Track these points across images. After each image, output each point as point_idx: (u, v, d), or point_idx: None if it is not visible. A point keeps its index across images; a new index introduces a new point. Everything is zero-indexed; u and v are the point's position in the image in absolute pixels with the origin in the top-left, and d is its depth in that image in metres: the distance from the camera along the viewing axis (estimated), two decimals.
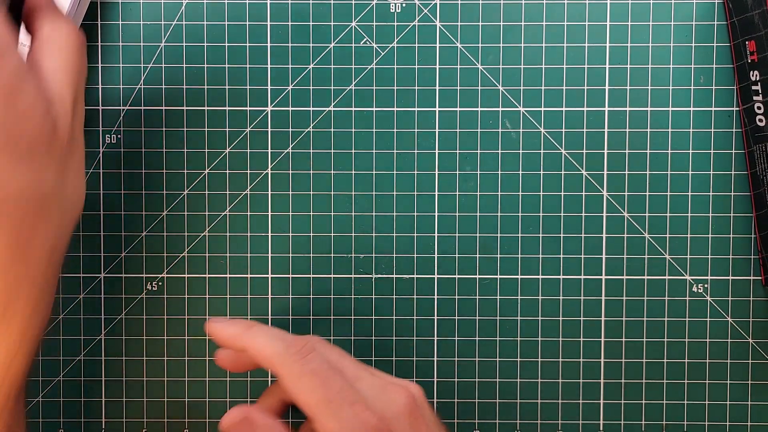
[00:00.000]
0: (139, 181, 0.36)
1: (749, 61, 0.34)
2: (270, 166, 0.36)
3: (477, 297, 0.36)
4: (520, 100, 0.36)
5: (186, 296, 0.36)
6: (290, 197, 0.36)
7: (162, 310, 0.36)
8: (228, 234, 0.36)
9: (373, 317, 0.36)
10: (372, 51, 0.36)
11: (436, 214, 0.36)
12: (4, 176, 0.24)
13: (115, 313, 0.36)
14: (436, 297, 0.36)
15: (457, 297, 0.36)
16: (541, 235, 0.36)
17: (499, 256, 0.36)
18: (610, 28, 0.35)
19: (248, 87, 0.36)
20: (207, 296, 0.36)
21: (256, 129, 0.36)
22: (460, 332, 0.36)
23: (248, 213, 0.36)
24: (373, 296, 0.36)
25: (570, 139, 0.36)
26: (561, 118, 0.36)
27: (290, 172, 0.36)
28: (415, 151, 0.36)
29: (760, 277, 0.36)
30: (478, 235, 0.36)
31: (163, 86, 0.36)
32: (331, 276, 0.36)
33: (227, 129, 0.36)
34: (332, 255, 0.36)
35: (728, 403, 0.36)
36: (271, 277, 0.36)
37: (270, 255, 0.36)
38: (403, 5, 0.35)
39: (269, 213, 0.36)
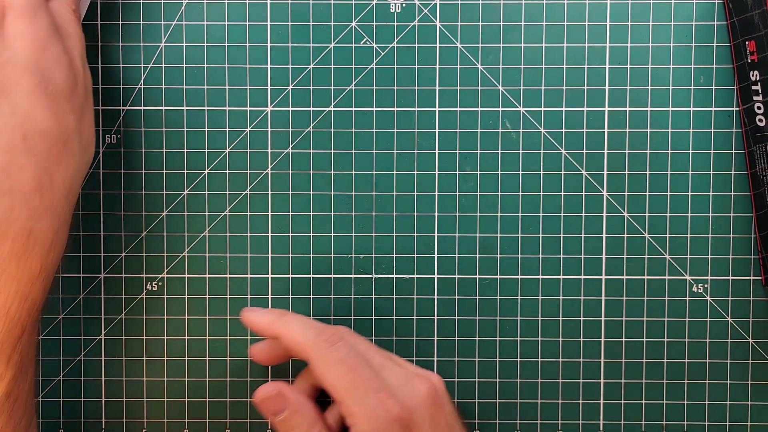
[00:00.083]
0: (139, 181, 0.36)
1: (749, 61, 0.34)
2: (270, 166, 0.36)
3: (477, 297, 0.36)
4: (520, 100, 0.36)
5: (186, 296, 0.36)
6: (290, 197, 0.36)
7: (162, 310, 0.36)
8: (228, 234, 0.36)
9: (373, 317, 0.36)
10: (372, 51, 0.36)
11: (436, 214, 0.36)
12: (38, 114, 0.27)
13: (115, 313, 0.36)
14: (436, 297, 0.36)
15: (457, 297, 0.36)
16: (541, 235, 0.36)
17: (499, 256, 0.36)
18: (610, 28, 0.35)
19: (248, 87, 0.36)
20: (207, 296, 0.36)
21: (256, 129, 0.36)
22: (460, 332, 0.36)
23: (248, 213, 0.36)
24: (373, 296, 0.36)
25: (570, 139, 0.36)
26: (561, 118, 0.36)
27: (290, 172, 0.36)
28: (415, 151, 0.36)
29: (760, 277, 0.36)
30: (478, 235, 0.36)
31: (163, 86, 0.36)
32: (331, 276, 0.36)
33: (227, 129, 0.36)
34: (332, 255, 0.36)
35: (728, 403, 0.36)
36: (271, 277, 0.36)
37: (270, 255, 0.36)
38: (403, 5, 0.35)
39: (269, 213, 0.36)
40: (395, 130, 0.36)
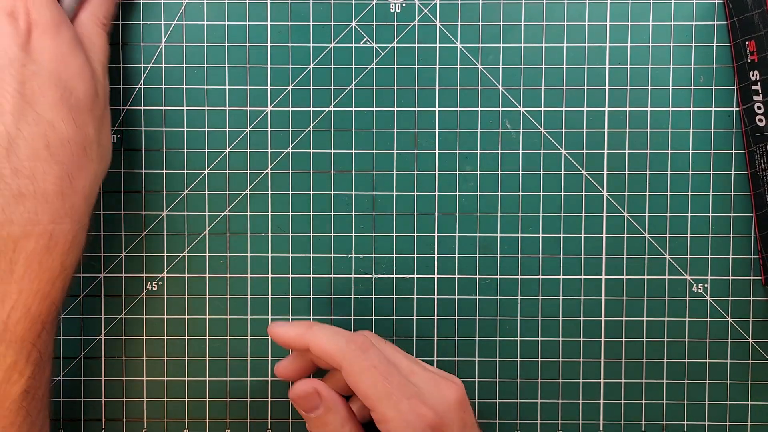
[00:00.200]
0: (139, 181, 0.36)
1: (749, 61, 0.34)
2: (270, 166, 0.36)
3: (477, 297, 0.36)
4: (520, 100, 0.36)
5: (186, 296, 0.36)
6: (290, 197, 0.36)
7: (162, 310, 0.36)
8: (228, 234, 0.36)
9: (373, 317, 0.36)
10: (372, 51, 0.36)
11: (436, 214, 0.36)
12: (60, 124, 0.29)
13: (115, 313, 0.36)
14: (436, 297, 0.36)
15: (457, 297, 0.36)
16: (541, 235, 0.36)
17: (499, 256, 0.36)
18: (610, 28, 0.35)
19: (248, 87, 0.36)
20: (207, 296, 0.36)
21: (256, 129, 0.36)
22: (460, 332, 0.36)
23: (248, 213, 0.36)
24: (373, 296, 0.36)
25: (570, 139, 0.36)
26: (561, 118, 0.36)
27: (290, 172, 0.36)
28: (415, 151, 0.36)
29: (760, 277, 0.36)
30: (478, 235, 0.36)
31: (163, 86, 0.36)
32: (331, 276, 0.36)
33: (227, 129, 0.36)
34: (332, 255, 0.36)
35: (728, 403, 0.36)
36: (271, 277, 0.36)
37: (270, 255, 0.36)
38: (403, 5, 0.35)
39: (269, 213, 0.36)
40: (395, 130, 0.36)
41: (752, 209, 0.36)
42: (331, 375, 0.33)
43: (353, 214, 0.36)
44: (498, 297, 0.36)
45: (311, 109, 0.36)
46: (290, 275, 0.36)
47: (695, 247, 0.36)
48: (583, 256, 0.36)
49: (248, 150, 0.36)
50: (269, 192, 0.36)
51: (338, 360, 0.30)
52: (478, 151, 0.36)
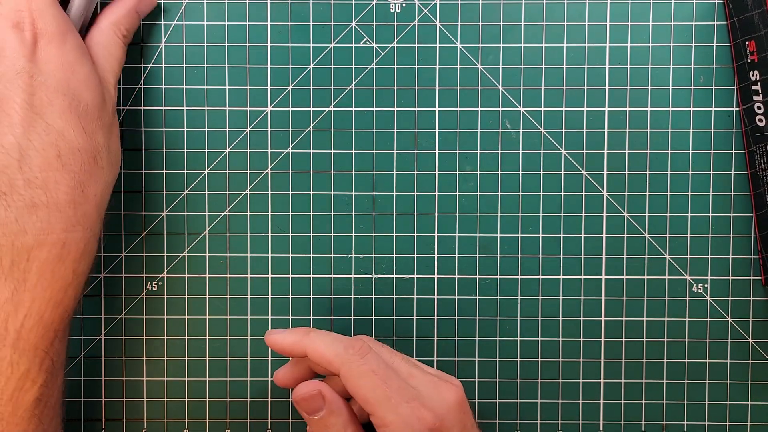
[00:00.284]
0: (139, 181, 0.36)
1: (749, 61, 0.34)
2: (270, 166, 0.36)
3: (477, 297, 0.36)
4: (520, 100, 0.36)
5: (186, 296, 0.36)
6: (290, 197, 0.36)
7: (162, 310, 0.36)
8: (228, 234, 0.36)
9: (373, 317, 0.36)
10: (372, 51, 0.36)
11: (436, 214, 0.36)
12: (70, 133, 0.29)
13: (115, 313, 0.36)
14: (436, 297, 0.36)
15: (457, 297, 0.36)
16: (541, 235, 0.36)
17: (499, 256, 0.36)
18: (610, 28, 0.35)
19: (248, 87, 0.36)
20: (207, 296, 0.36)
21: (256, 129, 0.36)
22: (460, 332, 0.36)
23: (248, 213, 0.36)
24: (373, 296, 0.36)
25: (570, 139, 0.36)
26: (561, 118, 0.36)
27: (290, 172, 0.36)
28: (415, 151, 0.36)
29: (760, 277, 0.36)
30: (478, 235, 0.36)
31: (163, 86, 0.36)
32: (331, 276, 0.36)
33: (227, 129, 0.36)
34: (332, 255, 0.36)
35: (728, 403, 0.36)
36: (271, 277, 0.36)
37: (270, 255, 0.36)
38: (403, 5, 0.35)
39: (269, 213, 0.36)
40: (395, 130, 0.36)
41: (752, 209, 0.36)
42: (330, 379, 0.33)
43: (353, 214, 0.36)
44: (498, 297, 0.36)
45: (311, 109, 0.36)
46: (290, 275, 0.36)
47: (695, 247, 0.36)
48: (583, 256, 0.36)
49: (248, 150, 0.36)
50: (269, 192, 0.36)
51: (336, 365, 0.30)
52: (478, 151, 0.36)
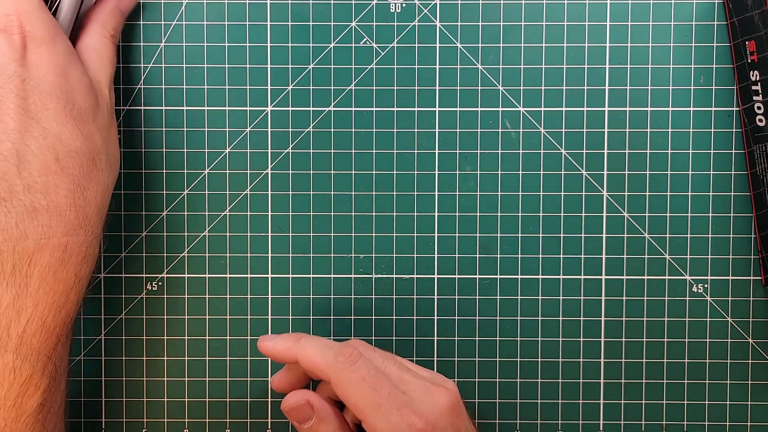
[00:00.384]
0: (139, 181, 0.36)
1: (749, 61, 0.34)
2: (270, 166, 0.36)
3: (477, 297, 0.36)
4: (520, 100, 0.36)
5: (186, 296, 0.36)
6: (290, 197, 0.36)
7: (162, 310, 0.36)
8: (228, 234, 0.36)
9: (373, 317, 0.36)
10: (372, 51, 0.36)
11: (436, 214, 0.36)
12: (67, 136, 0.29)
13: (115, 313, 0.36)
14: (436, 297, 0.36)
15: (457, 297, 0.36)
16: (541, 235, 0.36)
17: (499, 256, 0.36)
18: (610, 28, 0.35)
19: (248, 87, 0.36)
20: (207, 296, 0.36)
21: (256, 129, 0.36)
22: (460, 332, 0.36)
23: (248, 213, 0.36)
24: (373, 296, 0.36)
25: (570, 139, 0.36)
26: (561, 118, 0.36)
27: (290, 172, 0.36)
28: (415, 151, 0.36)
29: (760, 277, 0.36)
30: (478, 235, 0.36)
31: (163, 86, 0.36)
32: (331, 276, 0.36)
33: (227, 129, 0.36)
34: (332, 255, 0.36)
35: (728, 403, 0.36)
36: (271, 277, 0.36)
37: (270, 255, 0.36)
38: (403, 5, 0.35)
39: (269, 213, 0.36)
40: (395, 130, 0.36)
41: (752, 209, 0.36)
42: (324, 383, 0.33)
43: (353, 214, 0.36)
44: (498, 297, 0.36)
45: (311, 109, 0.36)
46: (290, 275, 0.36)
47: (695, 247, 0.36)
48: (583, 256, 0.36)
49: (248, 150, 0.36)
50: (269, 192, 0.36)
51: (327, 373, 0.30)
52: (478, 151, 0.36)
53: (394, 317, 0.36)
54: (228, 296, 0.36)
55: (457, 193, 0.36)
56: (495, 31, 0.35)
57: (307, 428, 0.31)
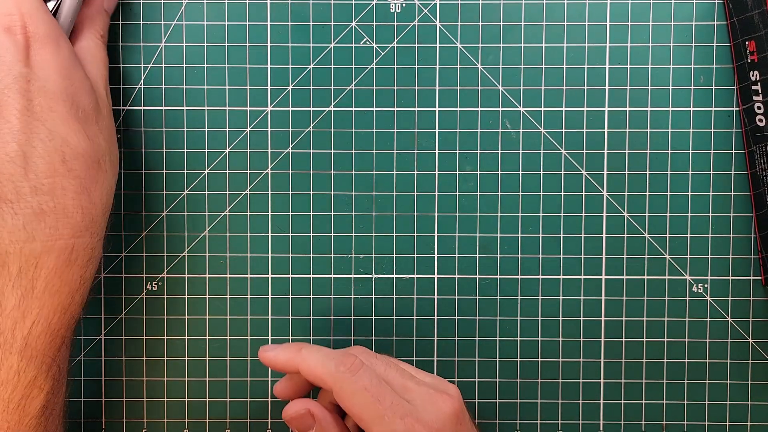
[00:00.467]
0: (139, 181, 0.36)
1: (749, 61, 0.34)
2: (270, 166, 0.36)
3: (477, 297, 0.36)
4: (520, 100, 0.36)
5: (186, 296, 0.36)
6: (290, 197, 0.36)
7: (162, 310, 0.36)
8: (228, 234, 0.36)
9: (373, 317, 0.36)
10: (372, 51, 0.36)
11: (436, 214, 0.36)
12: (73, 137, 0.29)
13: (115, 313, 0.36)
14: (436, 297, 0.36)
15: (457, 297, 0.36)
16: (541, 235, 0.36)
17: (499, 256, 0.36)
18: (610, 28, 0.35)
19: (248, 87, 0.36)
20: (207, 296, 0.36)
21: (256, 129, 0.36)
22: (460, 332, 0.36)
23: (248, 213, 0.36)
24: (373, 296, 0.36)
25: (570, 139, 0.36)
26: (561, 118, 0.36)
27: (290, 172, 0.36)
28: (415, 151, 0.36)
29: (760, 277, 0.36)
30: (478, 235, 0.36)
31: (163, 86, 0.36)
32: (331, 276, 0.36)
33: (227, 129, 0.36)
34: (332, 255, 0.36)
35: (728, 403, 0.36)
36: (271, 277, 0.36)
37: (270, 255, 0.36)
38: (403, 5, 0.35)
39: (269, 213, 0.36)
40: (395, 130, 0.36)
41: (752, 209, 0.36)
42: (325, 391, 0.33)
43: (353, 214, 0.36)
44: (498, 297, 0.36)
45: (311, 109, 0.36)
46: (290, 275, 0.36)
47: (695, 247, 0.36)
48: (583, 256, 0.36)
49: (248, 150, 0.36)
50: (269, 192, 0.36)
51: (329, 383, 0.29)
52: (478, 151, 0.36)
53: (394, 317, 0.36)
54: (228, 296, 0.36)
55: (457, 193, 0.36)
56: (495, 31, 0.35)
57: None
